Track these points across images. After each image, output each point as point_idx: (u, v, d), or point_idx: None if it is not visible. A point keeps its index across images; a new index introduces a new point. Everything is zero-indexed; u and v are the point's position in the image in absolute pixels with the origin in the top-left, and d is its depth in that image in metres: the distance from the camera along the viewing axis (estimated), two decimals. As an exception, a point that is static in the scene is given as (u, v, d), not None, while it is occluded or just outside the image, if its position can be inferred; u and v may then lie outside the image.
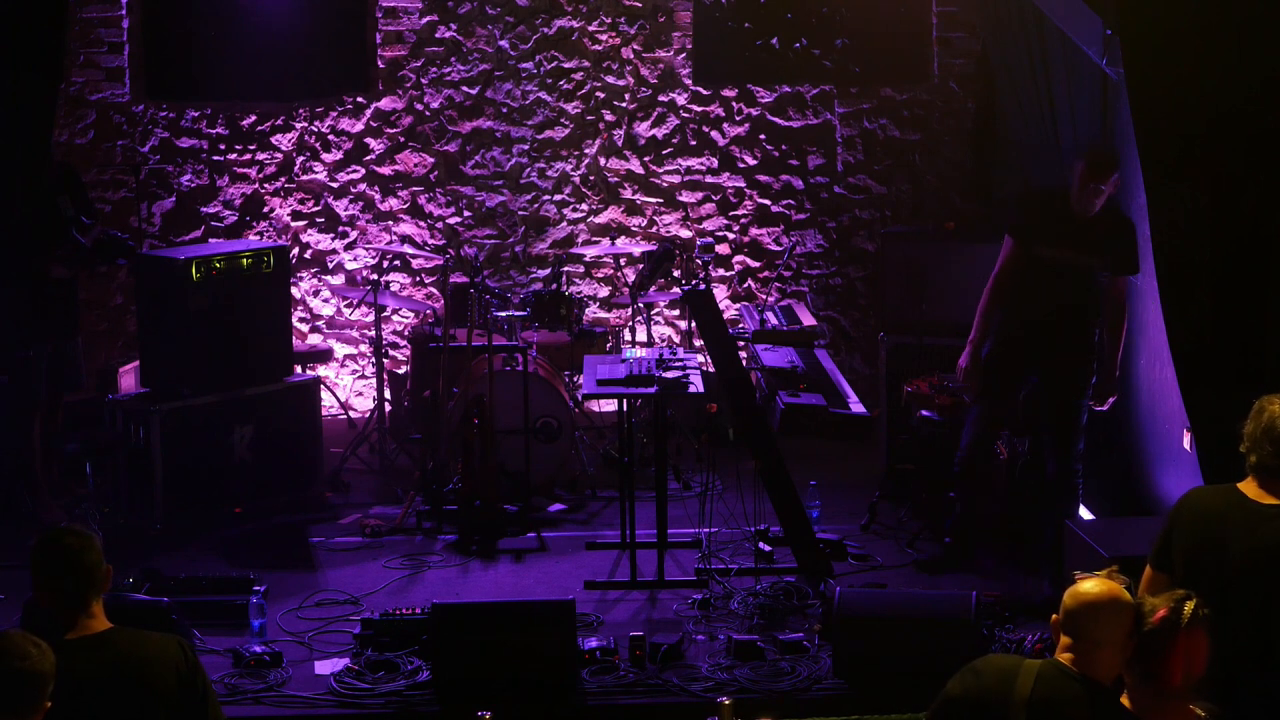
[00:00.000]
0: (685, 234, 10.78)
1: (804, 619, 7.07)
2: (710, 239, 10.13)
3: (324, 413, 9.30)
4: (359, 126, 10.70)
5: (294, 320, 10.24)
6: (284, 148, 10.69)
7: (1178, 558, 4.81)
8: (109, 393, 9.01)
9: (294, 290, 10.38)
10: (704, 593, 7.32)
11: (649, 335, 9.95)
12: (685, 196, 10.83)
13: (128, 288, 10.43)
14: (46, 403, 8.47)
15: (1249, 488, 4.82)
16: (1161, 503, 7.57)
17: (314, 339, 10.82)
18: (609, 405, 9.94)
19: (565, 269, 9.97)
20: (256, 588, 7.14)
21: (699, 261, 9.48)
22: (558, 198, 10.79)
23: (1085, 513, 7.90)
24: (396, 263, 10.73)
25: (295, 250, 10.68)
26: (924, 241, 9.16)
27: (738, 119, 10.79)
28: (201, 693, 4.24)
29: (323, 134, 10.69)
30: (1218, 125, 5.97)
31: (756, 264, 10.87)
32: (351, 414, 10.43)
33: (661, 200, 10.82)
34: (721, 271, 10.80)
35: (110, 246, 8.63)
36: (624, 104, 10.76)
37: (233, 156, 10.67)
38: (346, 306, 10.84)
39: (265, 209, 10.73)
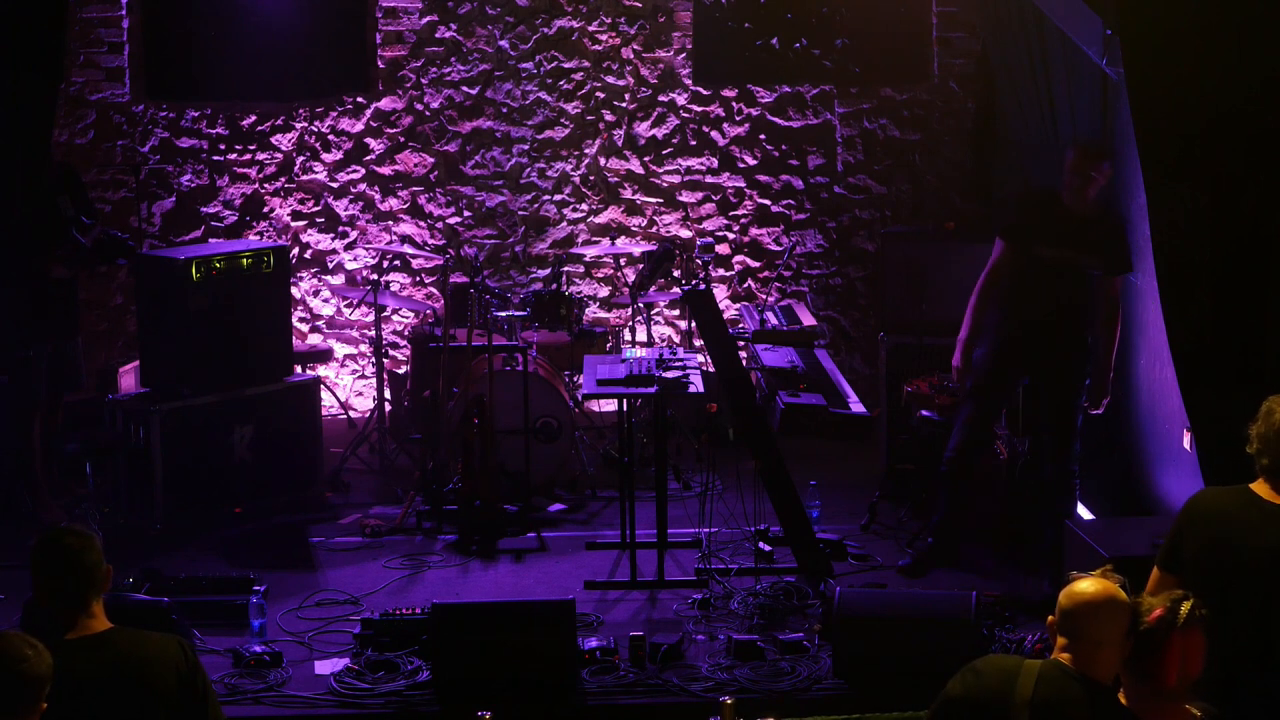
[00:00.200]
0: (685, 234, 10.78)
1: (804, 619, 7.07)
2: (710, 239, 10.13)
3: (324, 413, 9.30)
4: (359, 126, 10.70)
5: (294, 320, 10.25)
6: (284, 148, 10.69)
7: (1188, 558, 4.80)
8: (109, 393, 9.01)
9: (294, 290, 10.39)
10: (704, 593, 7.32)
11: (649, 335, 9.95)
12: (685, 196, 10.83)
13: (128, 288, 10.43)
14: (46, 403, 8.47)
15: (1261, 489, 4.81)
16: (1161, 503, 7.57)
17: (314, 339, 10.82)
18: (609, 405, 9.94)
19: (565, 269, 9.97)
20: (256, 588, 7.14)
21: (699, 261, 9.47)
22: (558, 198, 10.79)
23: (1085, 512, 7.91)
24: (396, 263, 10.73)
25: (295, 250, 10.68)
26: (924, 241, 9.16)
27: (738, 119, 10.79)
28: (201, 693, 4.24)
29: (323, 134, 10.69)
30: (1218, 125, 5.97)
31: (756, 264, 10.87)
32: (351, 414, 10.43)
33: (661, 200, 10.82)
34: (721, 271, 10.80)
35: (110, 246, 8.64)
36: (624, 104, 10.76)
37: (233, 156, 10.67)
38: (346, 306, 10.84)
39: (265, 209, 10.73)
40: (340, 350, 10.82)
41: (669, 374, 7.56)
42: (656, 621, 7.15)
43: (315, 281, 10.80)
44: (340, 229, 10.77)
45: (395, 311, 10.67)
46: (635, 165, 10.79)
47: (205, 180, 10.67)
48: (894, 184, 10.84)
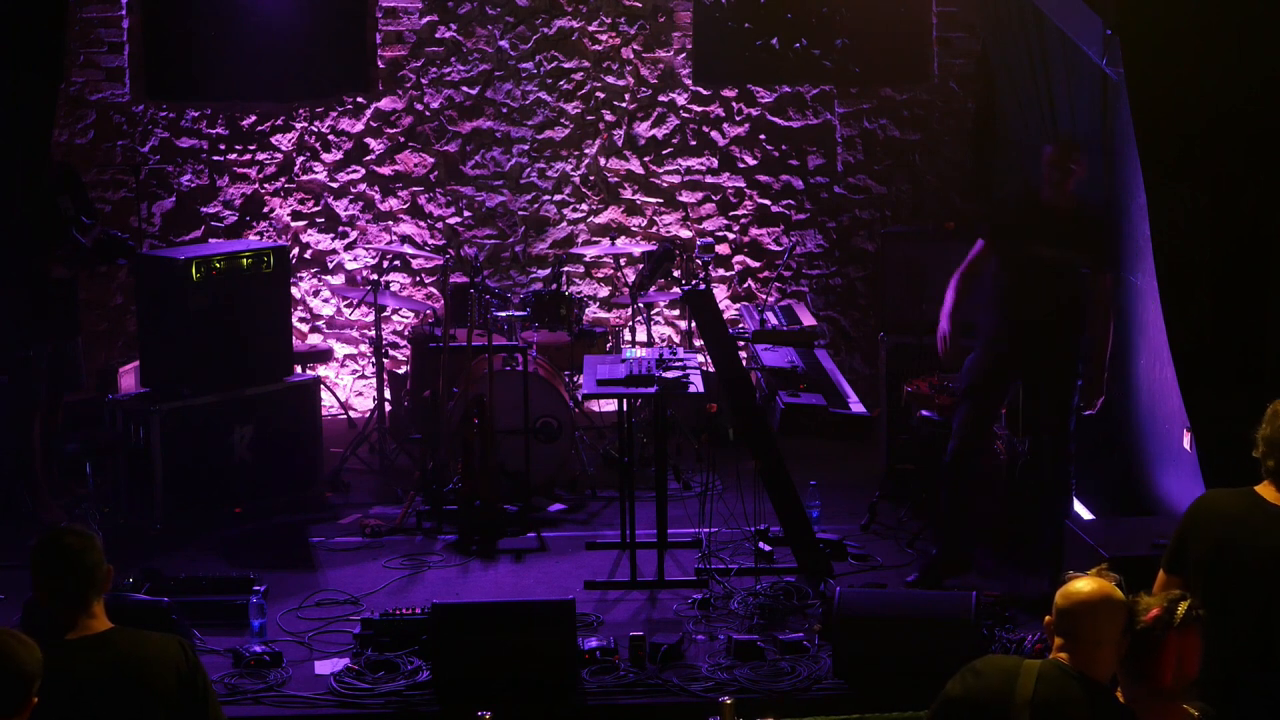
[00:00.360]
0: (685, 234, 10.78)
1: (804, 619, 7.07)
2: (710, 239, 10.13)
3: (324, 413, 9.30)
4: (359, 126, 10.70)
5: (294, 320, 10.24)
6: (284, 148, 10.69)
7: (1193, 561, 4.78)
8: (109, 393, 9.01)
9: (294, 290, 10.39)
10: (704, 593, 7.31)
11: (649, 335, 9.95)
12: (685, 196, 10.83)
13: (128, 288, 10.43)
14: (46, 403, 8.47)
15: (1267, 491, 4.81)
16: (1161, 503, 7.57)
17: (314, 339, 10.82)
18: (609, 405, 9.94)
19: (565, 269, 9.97)
20: (256, 588, 7.13)
21: (699, 261, 9.47)
22: (558, 198, 10.79)
23: (1085, 512, 7.90)
24: (396, 263, 10.73)
25: (295, 250, 10.68)
26: (924, 241, 9.16)
27: (738, 119, 10.79)
28: (202, 693, 4.23)
29: (323, 134, 10.69)
30: (1218, 125, 5.97)
31: (756, 264, 10.87)
32: (351, 414, 10.43)
33: (661, 200, 10.82)
34: (721, 271, 10.80)
35: (110, 246, 8.64)
36: (624, 104, 10.76)
37: (233, 156, 10.67)
38: (346, 306, 10.84)
39: (265, 209, 10.73)
40: (340, 350, 10.82)
41: (669, 374, 7.56)
42: (656, 621, 7.14)
43: (315, 281, 10.81)
44: (340, 229, 10.77)
45: (395, 311, 10.67)
46: (635, 165, 10.79)
47: (205, 180, 10.67)
48: (894, 184, 10.84)
